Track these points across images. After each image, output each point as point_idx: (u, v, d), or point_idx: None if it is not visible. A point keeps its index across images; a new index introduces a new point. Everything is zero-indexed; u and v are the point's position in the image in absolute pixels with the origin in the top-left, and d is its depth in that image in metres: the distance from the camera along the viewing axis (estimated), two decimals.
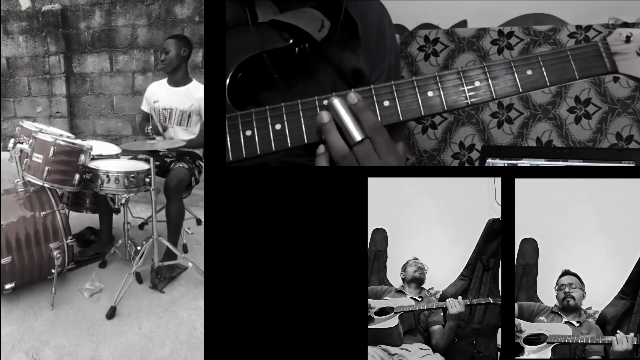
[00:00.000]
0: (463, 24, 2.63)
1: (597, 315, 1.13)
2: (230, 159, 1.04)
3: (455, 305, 1.14)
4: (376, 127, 1.00)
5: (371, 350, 1.14)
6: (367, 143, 0.99)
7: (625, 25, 2.24)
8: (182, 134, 3.22)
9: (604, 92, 2.38)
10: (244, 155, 1.03)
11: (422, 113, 1.04)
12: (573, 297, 1.13)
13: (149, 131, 2.91)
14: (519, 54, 2.48)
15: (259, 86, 1.17)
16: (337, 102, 1.00)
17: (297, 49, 1.14)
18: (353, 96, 1.00)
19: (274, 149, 1.03)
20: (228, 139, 1.04)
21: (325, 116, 1.00)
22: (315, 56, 1.19)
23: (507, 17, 2.55)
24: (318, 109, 1.03)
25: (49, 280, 2.62)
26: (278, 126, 1.04)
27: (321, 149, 1.01)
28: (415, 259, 1.17)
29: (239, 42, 1.13)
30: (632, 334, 1.10)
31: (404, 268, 1.17)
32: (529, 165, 1.92)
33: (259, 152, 1.03)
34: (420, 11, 2.63)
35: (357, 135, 0.99)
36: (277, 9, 1.18)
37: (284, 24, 1.14)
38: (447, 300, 1.15)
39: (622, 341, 1.10)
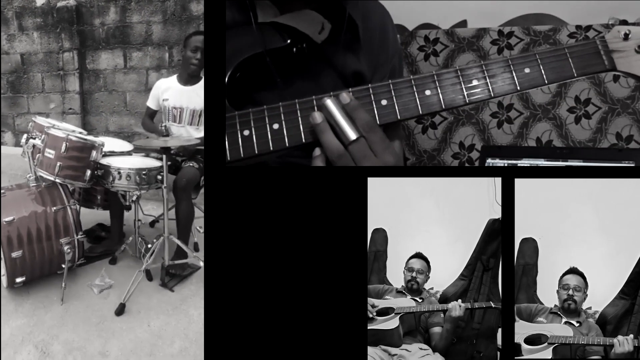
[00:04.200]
0: (463, 24, 2.62)
1: (597, 315, 1.13)
2: (228, 158, 1.04)
3: (456, 309, 1.15)
4: (370, 126, 1.00)
5: (371, 350, 1.15)
6: (362, 142, 0.99)
7: (625, 23, 2.21)
8: (195, 134, 3.16)
9: (604, 92, 2.36)
10: (242, 155, 1.04)
11: (420, 112, 1.04)
12: (575, 301, 1.13)
13: (163, 128, 2.89)
14: (519, 54, 2.47)
15: (258, 86, 1.17)
16: (329, 102, 1.01)
17: (294, 49, 1.14)
18: (345, 96, 1.01)
19: (271, 148, 1.03)
20: (226, 139, 1.04)
21: (317, 117, 1.01)
22: (315, 58, 1.19)
23: (507, 17, 2.54)
24: (316, 108, 1.03)
25: (59, 275, 2.65)
26: (276, 126, 1.04)
27: (317, 151, 1.01)
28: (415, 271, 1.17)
29: (239, 42, 1.13)
30: (631, 336, 1.10)
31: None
32: (529, 165, 1.91)
33: (256, 152, 1.03)
34: (420, 11, 2.62)
35: (352, 134, 0.99)
36: (278, 10, 1.18)
37: (283, 25, 1.14)
38: (449, 305, 1.15)
39: (623, 343, 1.09)
